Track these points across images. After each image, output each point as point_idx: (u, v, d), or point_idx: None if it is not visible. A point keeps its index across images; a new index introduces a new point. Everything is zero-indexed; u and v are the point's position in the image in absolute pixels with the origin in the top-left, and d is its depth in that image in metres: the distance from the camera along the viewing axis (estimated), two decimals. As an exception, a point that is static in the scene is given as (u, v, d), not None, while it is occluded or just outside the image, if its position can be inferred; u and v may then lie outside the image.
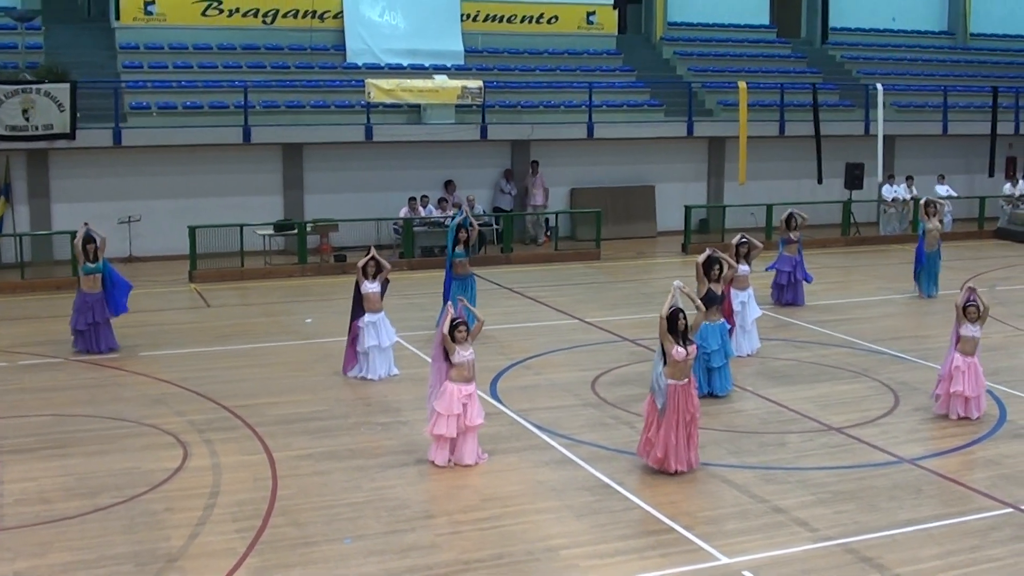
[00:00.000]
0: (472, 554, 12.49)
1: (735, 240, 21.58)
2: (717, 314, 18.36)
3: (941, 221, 26.84)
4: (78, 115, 29.35)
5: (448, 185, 33.43)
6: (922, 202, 27.72)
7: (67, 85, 29.18)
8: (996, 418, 17.42)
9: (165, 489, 14.31)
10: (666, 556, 12.42)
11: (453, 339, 14.99)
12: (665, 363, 14.65)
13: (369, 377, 19.29)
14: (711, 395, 18.05)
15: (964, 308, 17.15)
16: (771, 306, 24.63)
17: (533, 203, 34.78)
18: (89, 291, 20.99)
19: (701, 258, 18.61)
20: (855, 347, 22.03)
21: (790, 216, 25.68)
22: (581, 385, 19.12)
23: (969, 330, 17.11)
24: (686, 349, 14.60)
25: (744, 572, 12.05)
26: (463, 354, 15.01)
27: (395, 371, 19.58)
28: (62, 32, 34.01)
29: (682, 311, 14.76)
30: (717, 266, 18.53)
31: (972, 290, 17.43)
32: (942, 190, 37.29)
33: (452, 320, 15.13)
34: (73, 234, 27.12)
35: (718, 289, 18.40)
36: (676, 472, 14.70)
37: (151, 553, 12.36)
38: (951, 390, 17.24)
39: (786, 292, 25.43)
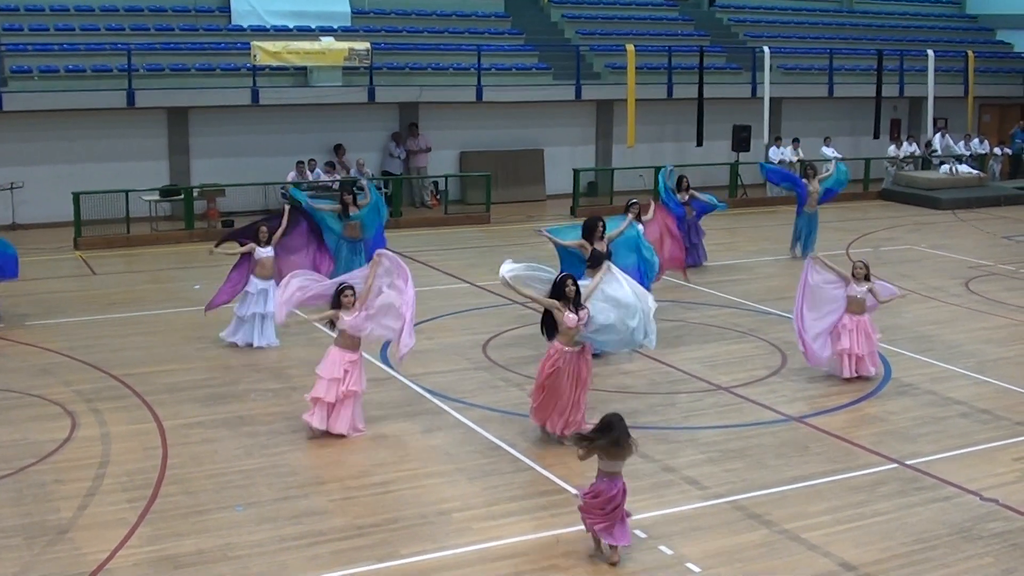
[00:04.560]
0: (365, 519, 12.51)
1: (628, 202, 21.77)
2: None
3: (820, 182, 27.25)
4: (-43, 80, 28.77)
5: (338, 149, 33.21)
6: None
7: (-56, 49, 28.57)
8: (881, 376, 17.75)
9: (53, 460, 14.14)
10: (557, 516, 12.53)
11: (339, 304, 14.87)
12: (557, 330, 14.53)
13: (253, 344, 19.15)
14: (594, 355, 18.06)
15: (853, 268, 17.48)
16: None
17: (418, 165, 34.67)
18: None
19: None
20: (742, 307, 22.31)
21: (680, 179, 25.92)
22: (472, 349, 19.17)
23: (854, 290, 17.39)
24: (577, 315, 14.53)
25: (635, 531, 12.18)
26: (347, 320, 14.89)
27: (275, 342, 19.40)
28: (-62, -6, 33.23)
29: (571, 276, 14.69)
30: (601, 224, 18.60)
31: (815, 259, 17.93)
32: (828, 152, 37.80)
33: (339, 285, 15.01)
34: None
35: (602, 247, 18.43)
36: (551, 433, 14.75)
37: (40, 525, 12.23)
38: (837, 348, 17.54)
39: (687, 256, 25.39)
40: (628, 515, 11.68)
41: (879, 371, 17.67)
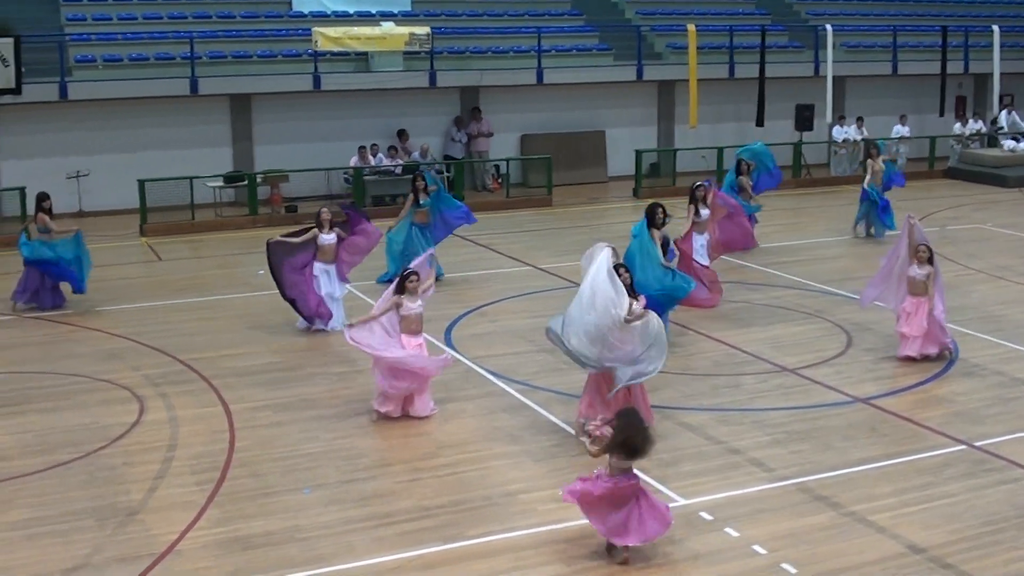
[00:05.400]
0: (431, 500, 12.57)
1: (693, 185, 21.69)
2: (669, 260, 18.31)
3: (894, 161, 27.14)
4: (23, 70, 28.99)
5: (401, 134, 33.28)
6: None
7: (11, 40, 28.73)
8: (948, 356, 17.58)
9: (123, 443, 14.31)
10: (624, 499, 12.49)
11: (403, 289, 14.94)
12: None
13: (319, 327, 19.22)
14: None
15: (916, 250, 17.26)
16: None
17: (479, 149, 34.70)
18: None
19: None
20: (807, 288, 22.18)
21: (739, 163, 25.77)
22: (535, 331, 19.08)
23: (915, 271, 17.22)
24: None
25: (701, 513, 12.17)
26: (410, 306, 14.94)
27: (339, 325, 19.41)
28: (4, -15, 33.55)
29: (623, 265, 14.65)
30: (660, 210, 18.46)
31: (912, 221, 17.58)
32: (902, 130, 37.49)
33: (405, 271, 15.12)
34: (21, 191, 27.12)
35: (658, 237, 18.29)
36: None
37: (111, 507, 12.38)
38: (896, 329, 17.45)
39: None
40: (653, 507, 11.20)
41: (947, 349, 17.46)
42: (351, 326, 15.20)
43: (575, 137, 36.21)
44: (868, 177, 26.88)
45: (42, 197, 21.18)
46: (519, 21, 37.20)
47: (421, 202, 22.20)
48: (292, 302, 19.24)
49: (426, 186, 22.35)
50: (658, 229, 18.27)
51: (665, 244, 18.36)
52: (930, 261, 17.21)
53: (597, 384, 14.26)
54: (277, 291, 19.61)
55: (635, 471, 11.13)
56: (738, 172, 25.65)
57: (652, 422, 14.08)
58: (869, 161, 27.08)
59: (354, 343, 14.91)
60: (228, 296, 21.90)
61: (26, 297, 20.93)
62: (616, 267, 14.26)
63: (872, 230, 26.70)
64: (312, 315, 19.19)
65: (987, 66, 40.20)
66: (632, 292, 14.29)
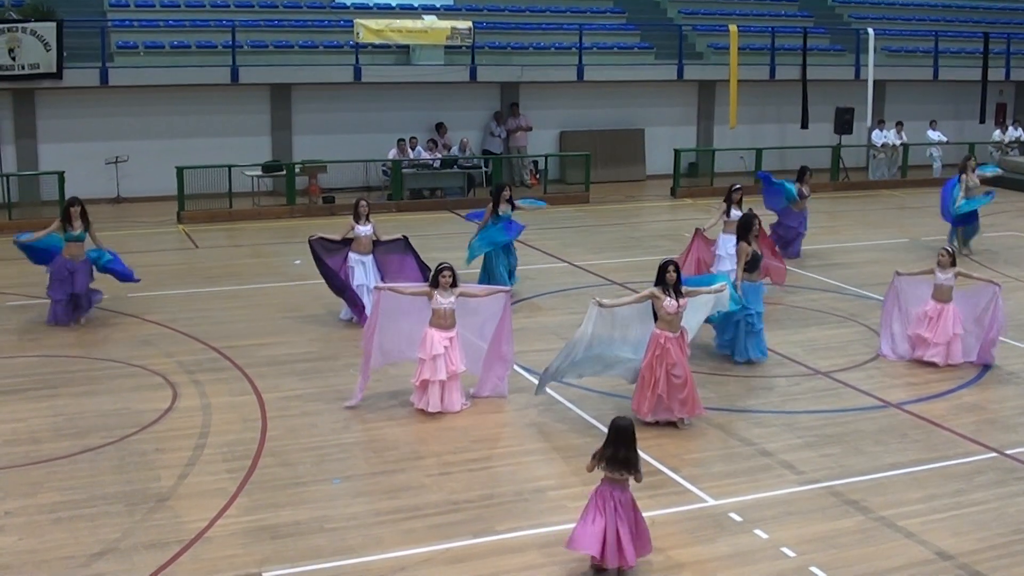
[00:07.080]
0: (461, 495, 12.58)
1: (731, 187, 21.62)
2: (759, 275, 17.82)
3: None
4: (64, 54, 29.15)
5: (440, 127, 33.31)
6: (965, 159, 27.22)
7: (53, 24, 28.94)
8: (979, 368, 17.46)
9: (155, 430, 14.36)
10: (654, 498, 12.48)
11: (436, 283, 14.94)
12: (656, 318, 14.59)
13: (356, 319, 19.23)
14: (749, 362, 17.42)
15: (938, 254, 17.32)
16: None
17: (517, 145, 34.69)
18: (71, 258, 19.29)
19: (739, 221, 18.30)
20: (843, 292, 22.09)
21: (803, 169, 25.04)
22: (570, 328, 19.00)
23: (939, 278, 17.15)
24: (677, 302, 14.52)
25: (730, 514, 12.15)
26: (442, 300, 14.94)
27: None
28: (48, -31, 33.71)
29: (672, 262, 14.69)
30: (757, 222, 17.99)
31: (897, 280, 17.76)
32: (934, 135, 37.25)
33: (439, 265, 15.12)
34: (60, 175, 27.25)
35: (758, 248, 17.81)
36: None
37: (141, 493, 12.44)
38: (913, 331, 17.37)
39: (792, 245, 24.70)
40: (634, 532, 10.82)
41: (948, 362, 17.28)
42: (379, 288, 15.60)
43: (614, 135, 36.21)
44: (961, 194, 25.86)
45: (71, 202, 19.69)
46: (561, 18, 37.18)
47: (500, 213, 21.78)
48: (341, 293, 19.28)
49: (511, 197, 21.93)
50: (749, 244, 17.76)
51: (756, 260, 17.77)
52: (953, 264, 17.15)
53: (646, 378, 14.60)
54: (312, 281, 19.65)
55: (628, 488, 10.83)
56: (799, 179, 25.01)
57: (701, 412, 14.76)
58: (963, 176, 26.22)
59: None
60: (264, 285, 21.97)
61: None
62: (666, 264, 14.55)
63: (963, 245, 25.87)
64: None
65: (1029, 73, 40.02)
66: (678, 291, 14.48)
